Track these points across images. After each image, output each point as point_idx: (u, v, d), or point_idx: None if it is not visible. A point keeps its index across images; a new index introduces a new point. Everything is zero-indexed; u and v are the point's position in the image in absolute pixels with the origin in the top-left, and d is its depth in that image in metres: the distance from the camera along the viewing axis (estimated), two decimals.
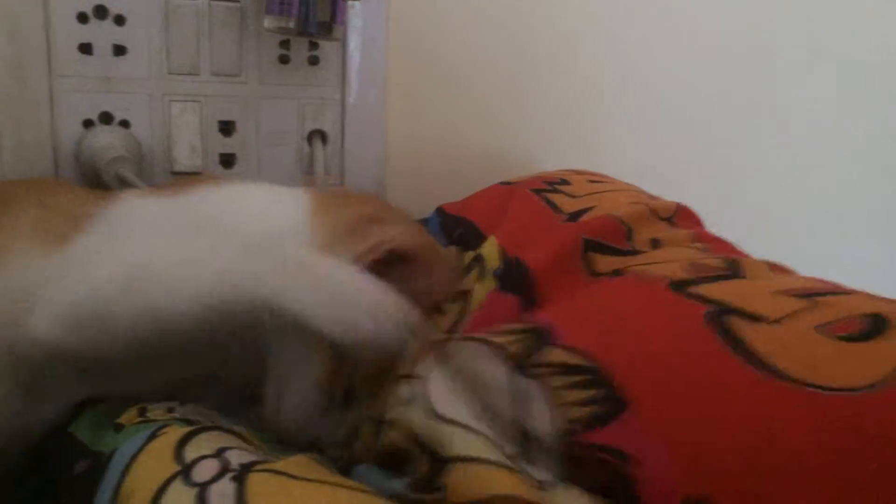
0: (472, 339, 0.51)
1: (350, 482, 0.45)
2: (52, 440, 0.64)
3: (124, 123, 0.94)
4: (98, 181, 0.90)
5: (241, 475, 0.43)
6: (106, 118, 0.93)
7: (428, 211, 1.00)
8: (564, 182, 0.81)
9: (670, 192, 0.86)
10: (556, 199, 0.77)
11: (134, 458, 0.47)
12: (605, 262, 0.63)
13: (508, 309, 0.59)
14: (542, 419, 0.44)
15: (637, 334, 0.46)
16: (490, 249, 0.70)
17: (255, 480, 0.42)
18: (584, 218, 0.71)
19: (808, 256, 0.71)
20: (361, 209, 0.71)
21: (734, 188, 1.25)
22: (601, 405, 0.43)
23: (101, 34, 0.91)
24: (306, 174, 1.01)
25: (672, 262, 0.59)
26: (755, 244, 0.74)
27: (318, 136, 1.01)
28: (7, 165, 0.90)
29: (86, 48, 0.91)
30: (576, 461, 0.42)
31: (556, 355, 0.47)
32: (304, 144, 1.01)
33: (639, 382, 0.43)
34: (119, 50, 0.92)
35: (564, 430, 0.43)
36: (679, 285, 0.51)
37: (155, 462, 0.46)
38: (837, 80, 1.28)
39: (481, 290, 0.64)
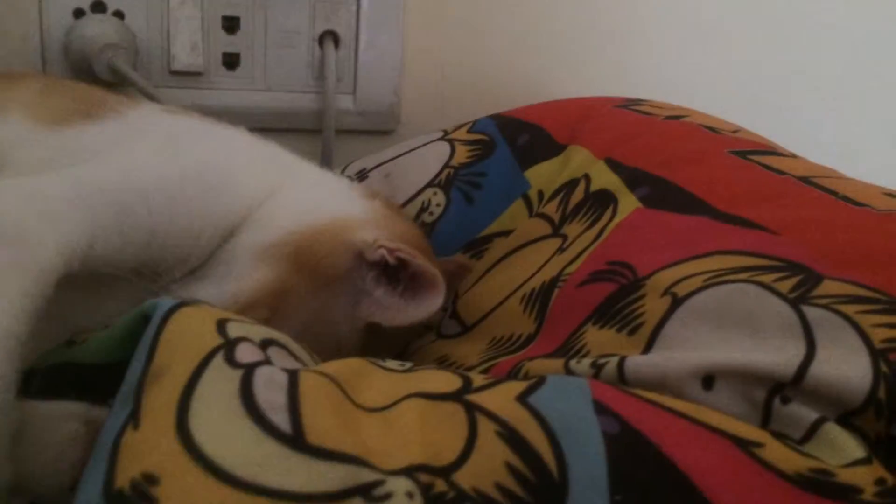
0: (730, 281, 0.44)
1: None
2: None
3: (118, 14, 0.86)
4: (89, 75, 0.82)
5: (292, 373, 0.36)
6: (98, 7, 0.85)
7: (447, 125, 0.93)
8: (639, 101, 0.76)
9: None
10: (644, 108, 0.71)
11: (168, 317, 0.38)
12: (779, 162, 0.56)
13: (675, 228, 0.52)
14: (848, 344, 0.39)
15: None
16: (592, 165, 0.64)
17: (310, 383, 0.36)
18: (685, 120, 0.66)
19: None
20: None
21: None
22: None
23: None
24: (316, 80, 0.93)
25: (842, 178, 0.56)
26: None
27: (331, 38, 0.93)
28: None
29: None
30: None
31: (840, 288, 0.42)
32: (314, 47, 0.93)
33: None
34: None
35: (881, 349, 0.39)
36: None
37: (195, 326, 0.38)
38: None
39: (623, 210, 0.56)
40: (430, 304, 0.56)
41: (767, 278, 0.43)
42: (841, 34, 1.15)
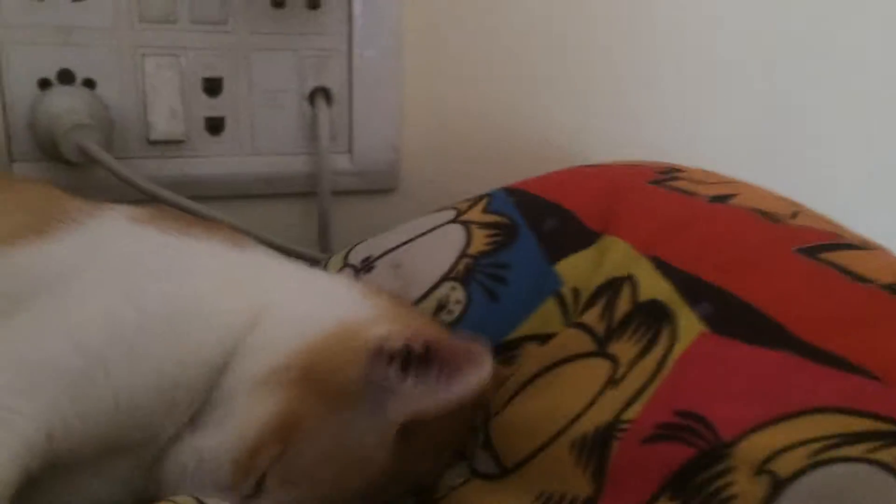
0: (841, 459, 0.37)
1: None
2: None
3: (89, 83, 0.78)
4: (56, 154, 0.75)
5: None
6: (66, 77, 0.78)
7: (451, 188, 0.85)
8: (675, 170, 0.68)
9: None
10: (682, 185, 0.64)
11: None
12: (857, 262, 0.50)
13: (754, 367, 0.44)
14: None
15: None
16: (636, 263, 0.56)
17: None
18: (734, 202, 0.59)
19: None
20: None
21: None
22: None
23: None
24: (309, 140, 0.86)
25: None
26: None
27: (322, 94, 0.86)
28: None
29: None
30: None
31: None
32: (305, 105, 0.85)
33: None
34: None
35: None
36: None
37: None
38: None
39: (686, 335, 0.48)
40: (474, 377, 0.49)
41: (887, 455, 0.36)
42: (870, 85, 1.08)
